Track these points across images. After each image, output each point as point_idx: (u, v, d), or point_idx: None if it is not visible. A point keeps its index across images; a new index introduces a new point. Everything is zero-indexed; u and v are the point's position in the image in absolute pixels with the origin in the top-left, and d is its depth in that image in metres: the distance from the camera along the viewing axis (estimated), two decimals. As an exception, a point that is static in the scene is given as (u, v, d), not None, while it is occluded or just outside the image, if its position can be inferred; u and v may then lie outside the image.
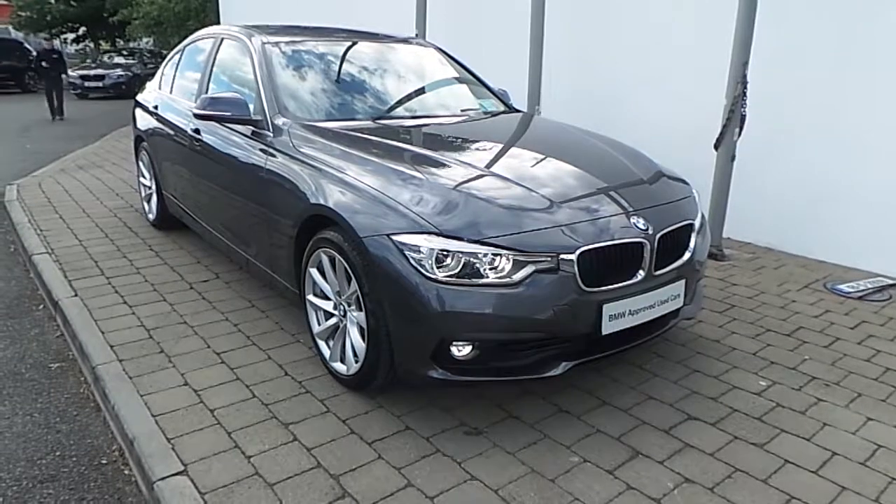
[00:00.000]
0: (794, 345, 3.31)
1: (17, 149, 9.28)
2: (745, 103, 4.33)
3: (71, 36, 27.13)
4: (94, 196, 6.22)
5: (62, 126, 11.23)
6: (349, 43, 4.06)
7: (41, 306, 3.90)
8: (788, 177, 4.75)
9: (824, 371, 3.04)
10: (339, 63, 3.85)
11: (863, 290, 4.04)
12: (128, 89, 17.70)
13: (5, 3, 25.39)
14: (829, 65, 4.44)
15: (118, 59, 21.24)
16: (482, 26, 6.98)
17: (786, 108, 4.67)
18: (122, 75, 19.30)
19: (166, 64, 5.05)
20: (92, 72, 19.51)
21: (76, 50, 28.37)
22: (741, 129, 4.40)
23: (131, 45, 25.01)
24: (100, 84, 19.02)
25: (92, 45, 27.39)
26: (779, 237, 4.87)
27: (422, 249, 2.31)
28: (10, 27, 26.58)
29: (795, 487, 2.22)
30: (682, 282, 2.70)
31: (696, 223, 2.88)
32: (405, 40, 4.48)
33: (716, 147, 4.49)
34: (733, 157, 4.47)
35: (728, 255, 4.68)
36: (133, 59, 21.10)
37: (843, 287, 4.10)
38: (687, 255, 2.75)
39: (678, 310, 2.75)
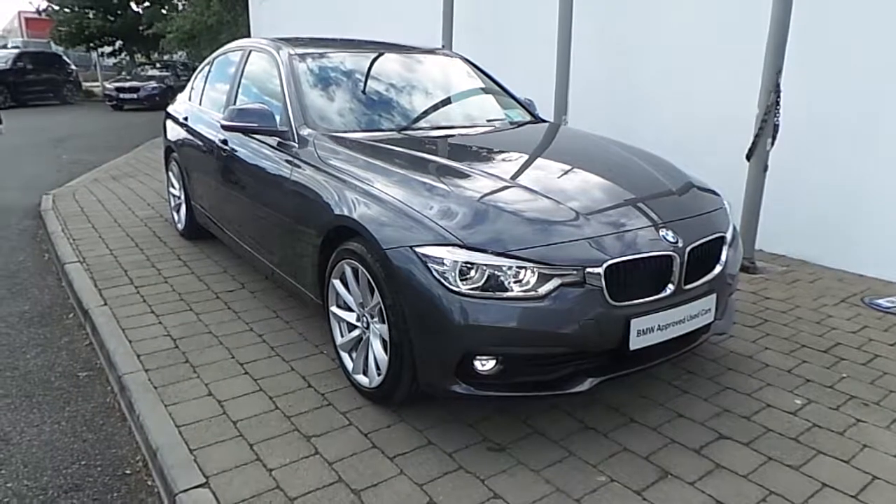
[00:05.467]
0: (831, 361, 3.20)
1: (54, 159, 9.51)
2: (779, 112, 4.23)
3: (108, 49, 27.92)
4: (125, 205, 6.33)
5: (98, 137, 11.26)
6: (375, 54, 4.07)
7: (72, 314, 3.96)
8: (824, 187, 4.61)
9: (863, 389, 2.93)
10: (364, 74, 3.85)
11: (903, 306, 3.89)
12: (161, 101, 17.99)
13: (46, 18, 26.23)
14: (866, 69, 4.31)
15: (152, 72, 21.76)
16: (509, 36, 6.96)
17: (821, 115, 4.54)
18: (155, 87, 19.74)
19: (196, 76, 5.13)
20: (127, 84, 20.04)
21: (113, 63, 29.19)
22: (774, 139, 4.29)
23: (165, 58, 25.60)
24: (134, 96, 19.51)
25: (128, 58, 28.14)
26: (814, 249, 4.73)
27: (445, 262, 2.28)
28: (51, 41, 27.49)
29: (834, 513, 2.13)
30: (713, 296, 2.62)
31: (728, 235, 2.80)
32: (431, 51, 4.48)
33: (748, 157, 4.39)
34: (766, 168, 4.36)
35: (761, 267, 4.56)
36: (167, 72, 21.58)
37: (882, 302, 3.95)
38: (718, 269, 2.67)
39: (709, 325, 2.67)
